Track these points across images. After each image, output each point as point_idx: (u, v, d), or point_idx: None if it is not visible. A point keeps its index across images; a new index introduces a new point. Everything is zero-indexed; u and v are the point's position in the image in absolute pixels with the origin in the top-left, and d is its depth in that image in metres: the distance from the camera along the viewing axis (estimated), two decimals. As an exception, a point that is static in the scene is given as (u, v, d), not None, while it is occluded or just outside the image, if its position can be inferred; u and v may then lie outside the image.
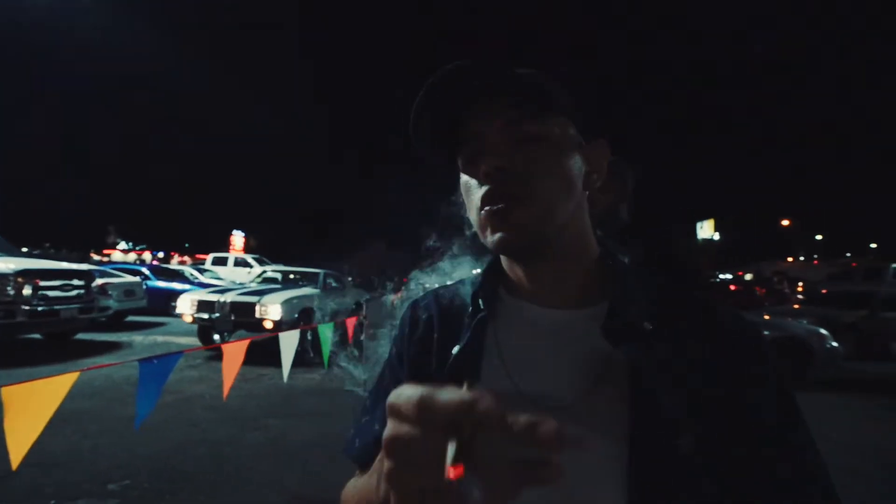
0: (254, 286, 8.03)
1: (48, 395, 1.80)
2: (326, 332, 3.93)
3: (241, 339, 3.03)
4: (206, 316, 6.36)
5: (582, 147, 0.52)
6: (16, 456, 1.73)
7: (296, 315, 6.40)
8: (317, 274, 8.62)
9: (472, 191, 0.51)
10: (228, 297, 6.39)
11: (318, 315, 6.58)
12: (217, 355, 4.61)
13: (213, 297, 6.43)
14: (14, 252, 7.15)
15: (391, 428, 0.28)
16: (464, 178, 0.53)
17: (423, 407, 0.26)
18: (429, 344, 0.56)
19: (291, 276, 8.89)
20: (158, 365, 2.14)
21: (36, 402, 1.73)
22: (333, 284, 8.80)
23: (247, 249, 40.55)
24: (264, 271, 9.33)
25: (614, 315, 0.47)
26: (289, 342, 3.38)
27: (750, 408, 0.44)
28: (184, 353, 2.41)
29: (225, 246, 37.59)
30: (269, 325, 6.07)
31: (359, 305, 8.85)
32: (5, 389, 1.65)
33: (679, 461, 0.41)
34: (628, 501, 0.41)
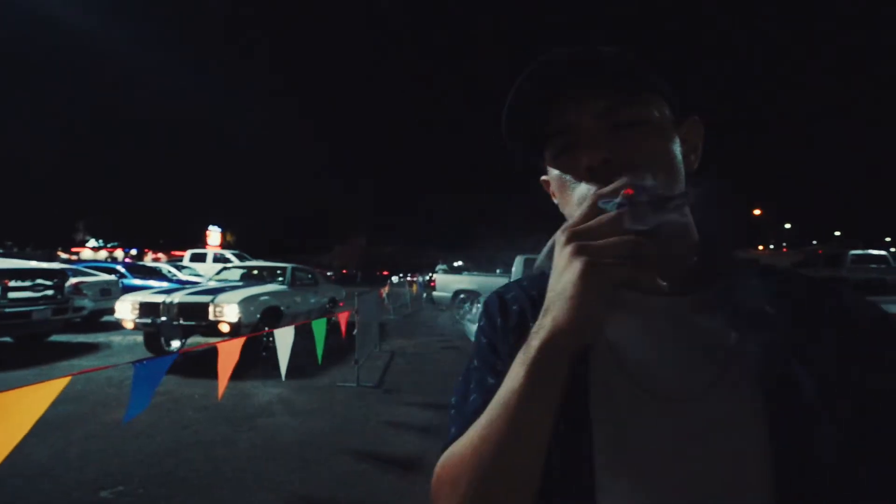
0: (210, 284, 7.08)
1: (35, 400, 1.70)
2: (320, 328, 3.86)
3: (198, 345, 2.93)
4: (149, 321, 5.37)
5: (678, 127, 0.50)
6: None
7: (258, 316, 5.51)
8: (284, 269, 7.59)
9: (570, 186, 0.49)
10: (176, 298, 5.38)
11: (286, 315, 6.08)
12: (200, 356, 4.46)
13: (158, 299, 5.42)
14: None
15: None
16: (554, 172, 0.51)
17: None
18: (527, 333, 0.53)
19: (255, 272, 7.80)
20: (152, 366, 2.06)
21: (22, 408, 1.63)
22: (304, 280, 7.98)
23: (224, 245, 39.64)
24: (224, 267, 8.09)
25: (730, 299, 0.45)
26: (284, 340, 3.30)
27: (886, 392, 0.42)
28: (179, 353, 2.32)
29: (201, 242, 36.66)
30: (224, 328, 5.14)
31: (333, 303, 8.37)
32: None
33: (823, 449, 0.40)
34: (776, 492, 0.39)
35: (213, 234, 40.85)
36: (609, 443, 0.44)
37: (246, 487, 2.58)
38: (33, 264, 6.58)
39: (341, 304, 8.74)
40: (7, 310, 5.52)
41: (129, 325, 5.52)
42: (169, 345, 6.04)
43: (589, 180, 0.46)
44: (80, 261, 20.71)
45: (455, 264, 20.77)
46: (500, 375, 0.45)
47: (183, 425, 3.46)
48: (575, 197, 0.49)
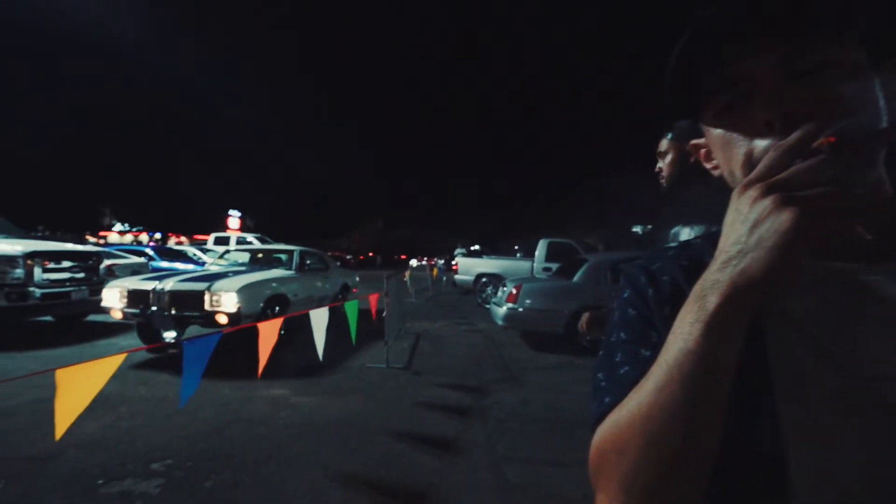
0: (210, 269, 6.49)
1: (95, 376, 1.75)
2: (353, 310, 3.88)
3: (196, 335, 2.98)
4: (137, 311, 4.82)
5: (878, 72, 0.44)
6: (61, 427, 1.68)
7: (261, 304, 5.00)
8: (290, 252, 6.84)
9: (738, 144, 0.45)
10: (168, 285, 4.77)
11: (293, 303, 5.64)
12: (235, 335, 4.52)
13: (148, 286, 4.82)
14: (20, 234, 7.01)
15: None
16: (716, 132, 0.48)
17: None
18: (682, 302, 0.49)
19: (260, 256, 7.21)
20: (200, 345, 2.09)
21: (83, 382, 1.68)
22: (313, 265, 7.29)
23: (243, 229, 40.28)
24: (227, 251, 7.33)
25: None
26: (320, 320, 3.33)
27: None
28: (223, 332, 2.35)
29: (221, 226, 37.32)
30: (222, 319, 4.57)
31: (346, 289, 7.87)
32: (59, 372, 1.59)
33: None
34: None
35: (233, 219, 41.54)
36: (799, 418, 0.41)
37: (291, 464, 2.63)
38: (70, 247, 6.76)
39: (354, 291, 8.24)
40: (48, 290, 5.70)
41: (118, 315, 4.90)
42: (162, 336, 5.47)
43: (766, 136, 0.42)
44: (107, 244, 21.29)
45: (473, 248, 20.67)
46: (656, 347, 0.43)
47: (222, 403, 3.54)
48: (742, 155, 0.44)
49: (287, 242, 15.11)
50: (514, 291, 5.78)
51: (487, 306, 9.70)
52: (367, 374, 4.45)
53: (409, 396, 3.88)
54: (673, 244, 1.45)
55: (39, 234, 8.24)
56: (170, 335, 5.24)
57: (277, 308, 5.35)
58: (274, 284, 5.41)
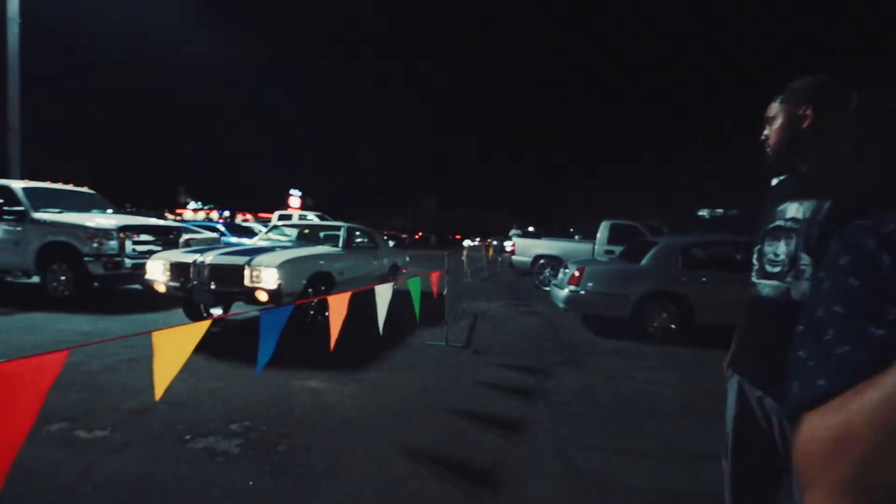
0: (257, 243, 6.21)
1: (187, 339, 1.84)
2: (416, 287, 3.90)
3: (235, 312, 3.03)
4: (178, 285, 4.65)
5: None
6: (160, 387, 1.80)
7: (303, 282, 4.67)
8: (338, 229, 6.40)
9: None
10: (208, 258, 4.58)
11: (339, 283, 5.30)
12: (307, 307, 4.68)
13: (189, 258, 4.66)
14: (115, 210, 7.69)
15: None
16: None
17: None
18: None
19: (307, 232, 6.82)
20: (276, 314, 2.16)
21: (177, 345, 1.78)
22: (362, 243, 6.87)
23: (303, 208, 41.95)
24: (274, 225, 7.00)
25: None
26: (384, 296, 3.36)
27: None
28: (296, 304, 2.42)
29: (283, 205, 39.12)
30: (262, 296, 4.33)
31: (396, 269, 7.50)
32: (155, 334, 1.69)
33: None
34: None
35: (294, 198, 43.38)
36: None
37: (358, 435, 2.70)
38: (154, 221, 7.33)
39: (404, 272, 7.83)
40: (137, 261, 6.22)
41: (161, 289, 4.76)
42: (208, 311, 5.49)
43: None
44: (183, 221, 22.97)
45: (528, 229, 20.27)
46: (892, 325, 0.38)
47: (291, 373, 3.71)
48: None
49: (344, 220, 15.56)
50: (577, 274, 5.57)
51: (546, 288, 9.50)
52: (427, 352, 4.49)
53: (470, 375, 3.86)
54: (788, 222, 1.26)
55: (128, 211, 9.03)
56: (216, 311, 5.14)
57: (323, 287, 5.09)
58: (319, 261, 5.07)
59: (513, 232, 16.56)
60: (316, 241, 6.39)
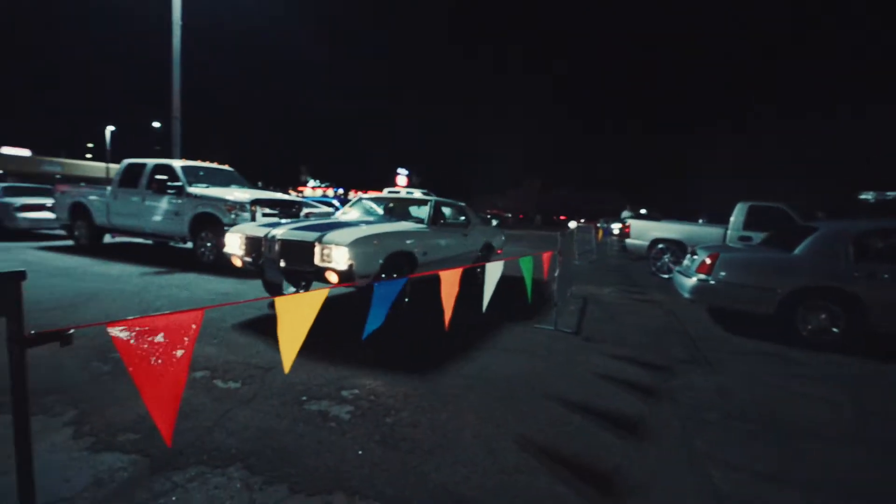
0: (337, 217, 5.73)
1: (307, 306, 1.86)
2: (528, 266, 3.68)
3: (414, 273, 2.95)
4: (250, 260, 4.36)
5: None
6: (287, 359, 1.85)
7: (380, 261, 4.11)
8: (424, 203, 5.81)
9: None
10: (279, 232, 4.20)
11: (422, 264, 4.72)
12: (421, 283, 4.71)
13: (262, 232, 4.30)
14: (249, 186, 8.60)
15: None
16: None
17: None
18: None
19: (392, 206, 6.20)
20: (389, 286, 2.11)
21: (300, 312, 1.80)
22: (451, 220, 6.27)
23: (410, 185, 43.52)
24: (359, 198, 6.33)
25: None
26: (494, 274, 3.20)
27: None
28: (408, 277, 2.36)
29: (391, 183, 40.98)
30: (332, 277, 3.88)
31: (489, 250, 6.72)
32: (278, 300, 1.73)
33: None
34: None
35: (401, 177, 45.18)
36: None
37: (465, 416, 2.62)
38: (281, 196, 8.03)
39: (499, 252, 7.12)
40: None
41: (237, 263, 4.48)
42: (290, 290, 5.16)
43: None
44: (304, 196, 25.19)
45: (641, 211, 18.63)
46: None
47: (399, 346, 3.76)
48: None
49: (450, 198, 15.70)
50: (709, 261, 4.86)
51: (665, 276, 8.61)
52: (534, 336, 4.27)
53: (582, 364, 3.57)
54: None
55: (259, 187, 10.07)
56: (289, 290, 4.79)
57: (404, 269, 4.55)
58: (399, 239, 4.48)
59: (625, 213, 15.31)
60: (403, 217, 5.70)
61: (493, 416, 2.63)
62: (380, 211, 5.99)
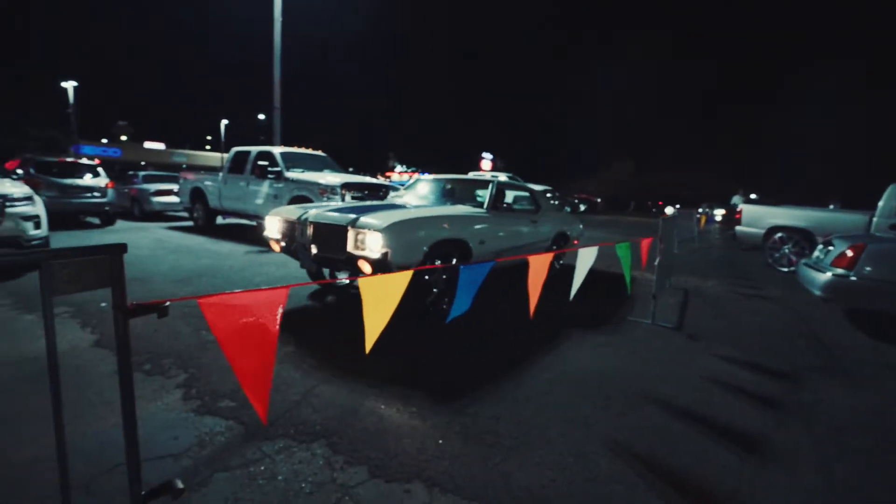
0: (369, 202, 5.22)
1: (390, 287, 1.79)
2: (625, 253, 3.34)
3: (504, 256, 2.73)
4: (285, 244, 4.00)
5: None
6: (369, 339, 1.80)
7: (424, 249, 3.55)
8: (485, 184, 5.05)
9: None
10: (312, 213, 3.81)
11: (477, 254, 4.07)
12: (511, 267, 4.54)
13: (295, 215, 3.95)
14: (340, 170, 8.98)
15: None
16: None
17: None
18: None
19: (449, 187, 5.42)
20: (476, 269, 1.97)
21: (385, 293, 1.73)
22: (517, 204, 5.55)
23: (495, 169, 43.07)
24: (417, 179, 5.82)
25: None
26: (586, 260, 2.93)
27: None
28: (496, 261, 2.20)
29: (476, 167, 40.86)
30: (365, 268, 3.38)
31: (564, 239, 5.70)
32: (361, 281, 1.67)
33: None
34: None
35: (485, 161, 44.86)
36: None
37: (551, 412, 2.43)
38: (369, 179, 8.27)
39: (576, 243, 6.10)
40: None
41: (276, 248, 4.16)
42: (334, 275, 4.70)
43: None
44: (391, 181, 26.01)
45: (751, 196, 16.56)
46: None
47: (480, 333, 3.63)
48: None
49: (536, 183, 15.23)
50: (851, 253, 4.07)
51: (784, 269, 7.52)
52: (628, 329, 3.90)
53: (684, 364, 3.18)
54: None
55: (349, 172, 10.52)
56: (342, 277, 4.35)
57: (454, 260, 3.99)
58: (450, 225, 3.88)
59: (736, 198, 13.66)
60: (467, 201, 4.96)
61: (581, 415, 2.41)
62: (439, 194, 5.28)
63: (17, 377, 2.52)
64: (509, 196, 5.62)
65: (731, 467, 2.02)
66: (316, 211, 3.82)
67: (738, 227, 8.36)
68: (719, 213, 20.78)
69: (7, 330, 3.21)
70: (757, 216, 8.05)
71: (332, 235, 3.58)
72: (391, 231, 3.32)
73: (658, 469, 1.97)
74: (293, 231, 3.90)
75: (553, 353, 3.28)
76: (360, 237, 3.37)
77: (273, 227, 4.12)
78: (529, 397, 2.57)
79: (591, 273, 3.62)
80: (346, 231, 3.45)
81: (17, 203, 4.89)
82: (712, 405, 2.60)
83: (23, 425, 2.05)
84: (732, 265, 8.20)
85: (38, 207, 5.12)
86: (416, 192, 5.42)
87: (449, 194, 5.28)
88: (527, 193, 5.69)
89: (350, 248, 3.41)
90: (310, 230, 3.72)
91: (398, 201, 4.98)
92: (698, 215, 12.75)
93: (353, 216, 3.53)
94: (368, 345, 1.79)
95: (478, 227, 4.21)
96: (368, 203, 4.39)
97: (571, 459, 2.02)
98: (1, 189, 4.85)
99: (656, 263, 3.95)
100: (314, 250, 3.67)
